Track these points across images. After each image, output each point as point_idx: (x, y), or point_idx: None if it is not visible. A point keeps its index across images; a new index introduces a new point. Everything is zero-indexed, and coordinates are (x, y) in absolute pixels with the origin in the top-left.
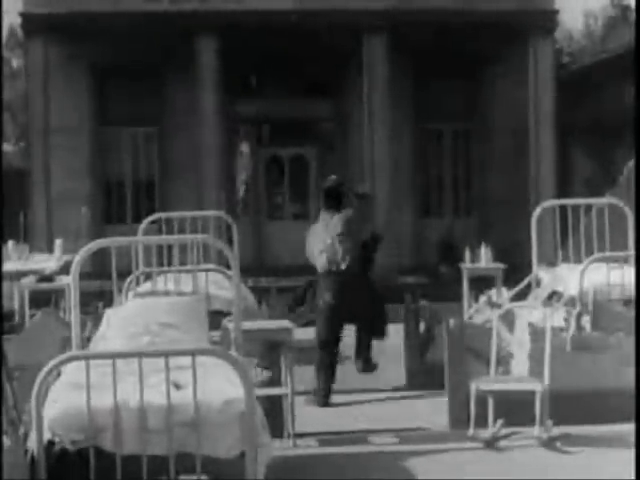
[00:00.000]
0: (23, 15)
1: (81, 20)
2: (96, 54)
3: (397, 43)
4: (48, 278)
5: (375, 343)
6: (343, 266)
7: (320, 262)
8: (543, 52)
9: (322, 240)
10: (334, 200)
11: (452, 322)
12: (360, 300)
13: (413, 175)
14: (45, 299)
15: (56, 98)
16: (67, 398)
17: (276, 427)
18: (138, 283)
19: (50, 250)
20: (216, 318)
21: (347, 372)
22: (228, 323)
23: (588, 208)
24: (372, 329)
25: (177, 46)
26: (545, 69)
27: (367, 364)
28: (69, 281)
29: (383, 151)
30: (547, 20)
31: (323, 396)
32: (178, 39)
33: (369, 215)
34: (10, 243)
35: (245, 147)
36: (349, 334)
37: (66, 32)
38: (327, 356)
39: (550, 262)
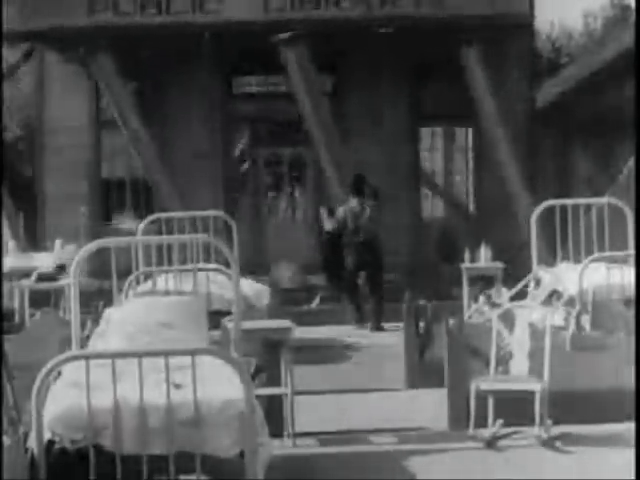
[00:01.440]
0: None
1: (70, 33)
2: (93, 58)
3: (392, 46)
4: (48, 278)
5: (375, 341)
6: (362, 238)
7: (349, 234)
8: (519, 52)
9: (353, 218)
10: (359, 189)
11: (452, 321)
12: (372, 260)
13: (410, 174)
14: (45, 299)
15: (54, 98)
16: (67, 397)
17: (276, 427)
18: (138, 283)
19: (49, 250)
20: (216, 318)
21: (347, 372)
22: (228, 323)
23: (588, 208)
24: (375, 281)
25: (173, 48)
26: (521, 70)
27: (378, 325)
28: (69, 280)
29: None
30: (520, 22)
31: (373, 322)
32: (173, 43)
33: (380, 209)
34: (10, 242)
35: (243, 146)
36: (348, 334)
37: (58, 41)
38: (352, 296)
39: (547, 262)
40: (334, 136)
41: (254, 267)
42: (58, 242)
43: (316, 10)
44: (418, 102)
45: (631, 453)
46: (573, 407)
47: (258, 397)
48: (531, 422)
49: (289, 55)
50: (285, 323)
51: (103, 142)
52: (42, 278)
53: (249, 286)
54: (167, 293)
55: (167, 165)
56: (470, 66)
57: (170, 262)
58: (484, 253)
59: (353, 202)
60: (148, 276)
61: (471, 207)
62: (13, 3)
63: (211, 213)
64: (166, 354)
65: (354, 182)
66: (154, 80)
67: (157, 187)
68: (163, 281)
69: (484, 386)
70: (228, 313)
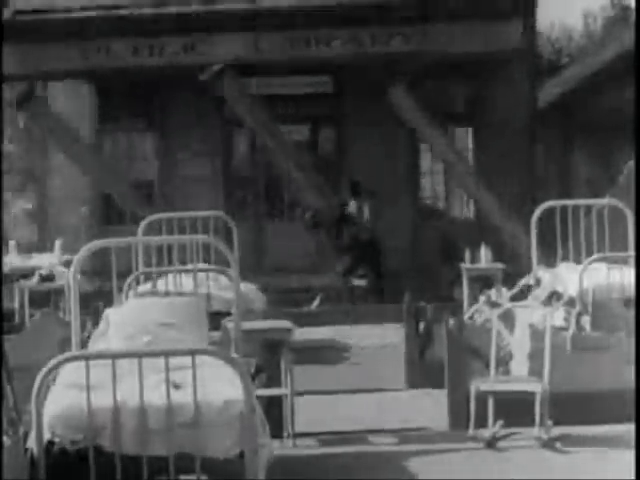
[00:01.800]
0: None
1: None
2: (94, 66)
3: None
4: (48, 278)
5: (375, 341)
6: (365, 237)
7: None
8: (520, 55)
9: (354, 219)
10: (356, 191)
11: (452, 322)
12: (374, 255)
13: (412, 175)
14: (45, 299)
15: (55, 99)
16: (67, 398)
17: (276, 427)
18: (138, 283)
19: (50, 250)
20: (216, 319)
21: (347, 372)
22: (228, 323)
23: (588, 209)
24: (375, 272)
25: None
26: (522, 71)
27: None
28: (69, 276)
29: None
30: (513, 55)
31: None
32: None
33: (377, 209)
34: (11, 242)
35: (244, 148)
36: (348, 335)
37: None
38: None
39: (548, 263)
40: (286, 145)
41: (254, 268)
42: (58, 242)
43: (307, 49)
44: (417, 102)
45: (631, 454)
46: (573, 408)
47: (258, 398)
48: (531, 423)
49: (220, 86)
50: (285, 324)
51: (104, 143)
52: (43, 278)
53: (247, 288)
54: (167, 294)
55: (168, 166)
56: (398, 102)
57: (170, 262)
58: (484, 254)
59: (352, 205)
60: (148, 276)
61: (471, 209)
62: (13, 49)
63: (211, 214)
64: (166, 354)
65: (351, 187)
66: (153, 93)
67: (123, 199)
68: (163, 282)
69: (484, 387)
70: (228, 314)
